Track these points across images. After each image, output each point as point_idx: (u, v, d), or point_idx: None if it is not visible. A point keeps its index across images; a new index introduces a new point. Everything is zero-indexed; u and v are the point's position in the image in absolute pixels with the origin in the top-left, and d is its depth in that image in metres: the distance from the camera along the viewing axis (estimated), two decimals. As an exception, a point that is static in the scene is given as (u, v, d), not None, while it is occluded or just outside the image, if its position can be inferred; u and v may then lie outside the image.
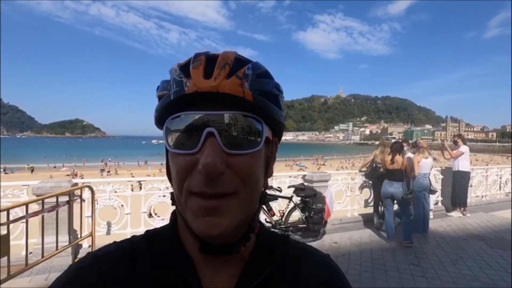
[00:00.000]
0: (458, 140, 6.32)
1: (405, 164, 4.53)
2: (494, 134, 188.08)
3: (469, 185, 6.51)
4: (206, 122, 0.36)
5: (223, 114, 0.36)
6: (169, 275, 0.40)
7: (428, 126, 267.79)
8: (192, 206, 0.36)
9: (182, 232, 0.43)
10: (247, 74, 0.38)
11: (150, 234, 0.46)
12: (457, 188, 6.18)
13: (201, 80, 0.36)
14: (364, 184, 5.80)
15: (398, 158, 4.47)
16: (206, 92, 0.36)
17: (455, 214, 6.07)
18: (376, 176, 5.31)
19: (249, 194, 0.38)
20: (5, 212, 2.57)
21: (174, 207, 0.45)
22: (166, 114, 0.38)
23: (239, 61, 0.40)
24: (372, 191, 5.68)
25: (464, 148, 6.18)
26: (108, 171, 33.33)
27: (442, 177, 6.67)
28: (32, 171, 33.38)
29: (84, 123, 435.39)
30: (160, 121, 0.40)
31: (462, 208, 6.12)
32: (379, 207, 5.35)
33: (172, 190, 0.42)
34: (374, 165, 5.38)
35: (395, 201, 4.63)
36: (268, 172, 0.44)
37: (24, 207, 2.80)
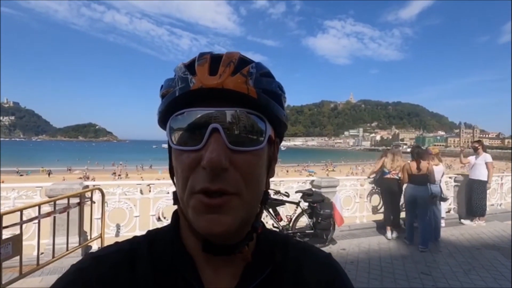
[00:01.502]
0: (479, 147, 5.99)
1: (429, 169, 4.65)
2: (510, 140, 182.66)
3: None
4: (210, 119, 0.36)
5: (228, 111, 0.37)
6: (170, 276, 0.40)
7: (441, 132, 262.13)
8: (195, 204, 0.36)
9: (184, 232, 0.43)
10: (252, 72, 0.38)
11: (151, 235, 0.46)
12: (475, 197, 5.85)
13: (206, 77, 0.37)
14: (373, 190, 5.72)
15: (423, 163, 4.63)
16: (211, 88, 0.36)
17: (476, 223, 5.80)
18: (385, 184, 5.22)
19: (251, 194, 0.38)
20: (18, 213, 2.65)
21: (174, 210, 0.45)
22: (170, 112, 0.39)
23: (243, 60, 0.40)
24: (384, 199, 5.54)
25: (486, 157, 5.85)
26: (119, 175, 33.88)
27: (455, 184, 6.53)
28: (49, 174, 33.89)
29: (97, 127, 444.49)
30: (163, 119, 0.40)
31: (479, 218, 5.85)
32: (390, 216, 5.24)
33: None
34: (382, 172, 5.29)
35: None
36: (270, 173, 0.45)
37: (37, 208, 2.88)
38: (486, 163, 5.82)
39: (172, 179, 0.42)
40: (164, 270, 0.40)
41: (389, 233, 5.01)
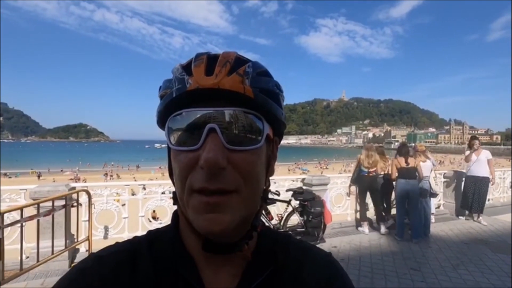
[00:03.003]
0: (478, 143, 5.90)
1: (417, 164, 4.82)
2: (499, 136, 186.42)
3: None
4: (208, 119, 0.36)
5: (224, 111, 0.37)
6: (170, 276, 0.40)
7: (431, 129, 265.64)
8: (194, 203, 0.36)
9: (184, 232, 0.43)
10: (248, 71, 0.38)
11: (152, 235, 0.46)
12: (480, 193, 5.76)
13: (202, 77, 0.37)
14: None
15: (411, 159, 4.83)
16: (208, 89, 0.36)
17: (477, 219, 5.80)
18: (364, 182, 5.25)
19: (251, 192, 0.38)
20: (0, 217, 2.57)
21: (174, 210, 0.46)
22: (168, 112, 0.39)
23: (240, 60, 0.41)
24: (361, 196, 5.45)
25: (487, 154, 5.82)
26: (111, 175, 33.49)
27: (444, 180, 6.61)
28: (38, 176, 33.02)
29: (88, 127, 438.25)
30: (162, 120, 0.41)
31: (479, 214, 5.84)
32: (366, 211, 5.31)
33: (174, 190, 0.42)
34: (360, 170, 5.30)
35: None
36: (269, 171, 0.45)
37: (21, 211, 2.80)
38: (488, 160, 5.79)
39: (172, 179, 0.42)
40: (165, 270, 0.41)
41: (366, 227, 5.12)
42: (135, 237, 0.46)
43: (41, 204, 3.01)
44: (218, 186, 0.35)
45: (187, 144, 0.37)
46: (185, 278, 0.40)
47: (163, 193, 4.43)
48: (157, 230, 0.48)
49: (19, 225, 2.82)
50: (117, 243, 0.46)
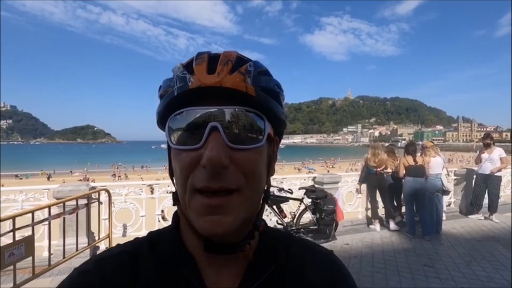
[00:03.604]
0: (491, 142, 5.82)
1: (425, 160, 4.88)
2: (508, 134, 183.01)
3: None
4: (209, 118, 0.36)
5: (226, 110, 0.37)
6: (172, 276, 0.40)
7: (439, 127, 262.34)
8: (196, 205, 0.36)
9: (185, 232, 0.43)
10: (249, 70, 0.39)
11: (153, 236, 0.46)
12: (492, 192, 5.75)
13: (204, 76, 0.37)
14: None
15: (419, 157, 4.90)
16: (210, 87, 0.36)
17: (489, 217, 5.77)
18: (372, 180, 5.30)
19: (252, 192, 0.38)
20: (29, 215, 2.70)
21: (175, 210, 0.46)
22: (169, 112, 0.39)
23: (241, 59, 0.41)
24: (370, 195, 5.51)
25: (500, 152, 5.74)
26: (119, 176, 33.88)
27: (455, 177, 6.59)
28: (48, 178, 33.63)
29: (95, 128, 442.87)
30: (162, 120, 0.40)
31: (492, 213, 5.79)
32: (376, 209, 5.34)
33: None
34: (368, 169, 5.34)
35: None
36: (270, 171, 0.45)
37: (46, 209, 2.93)
38: (501, 158, 5.70)
39: (172, 179, 0.42)
40: (166, 271, 0.41)
41: (377, 225, 5.14)
42: (137, 239, 0.46)
43: (65, 203, 3.14)
44: (221, 185, 0.35)
45: (188, 143, 0.37)
46: (186, 278, 0.40)
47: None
48: (158, 231, 0.48)
49: (44, 223, 2.95)
50: (118, 245, 0.46)
